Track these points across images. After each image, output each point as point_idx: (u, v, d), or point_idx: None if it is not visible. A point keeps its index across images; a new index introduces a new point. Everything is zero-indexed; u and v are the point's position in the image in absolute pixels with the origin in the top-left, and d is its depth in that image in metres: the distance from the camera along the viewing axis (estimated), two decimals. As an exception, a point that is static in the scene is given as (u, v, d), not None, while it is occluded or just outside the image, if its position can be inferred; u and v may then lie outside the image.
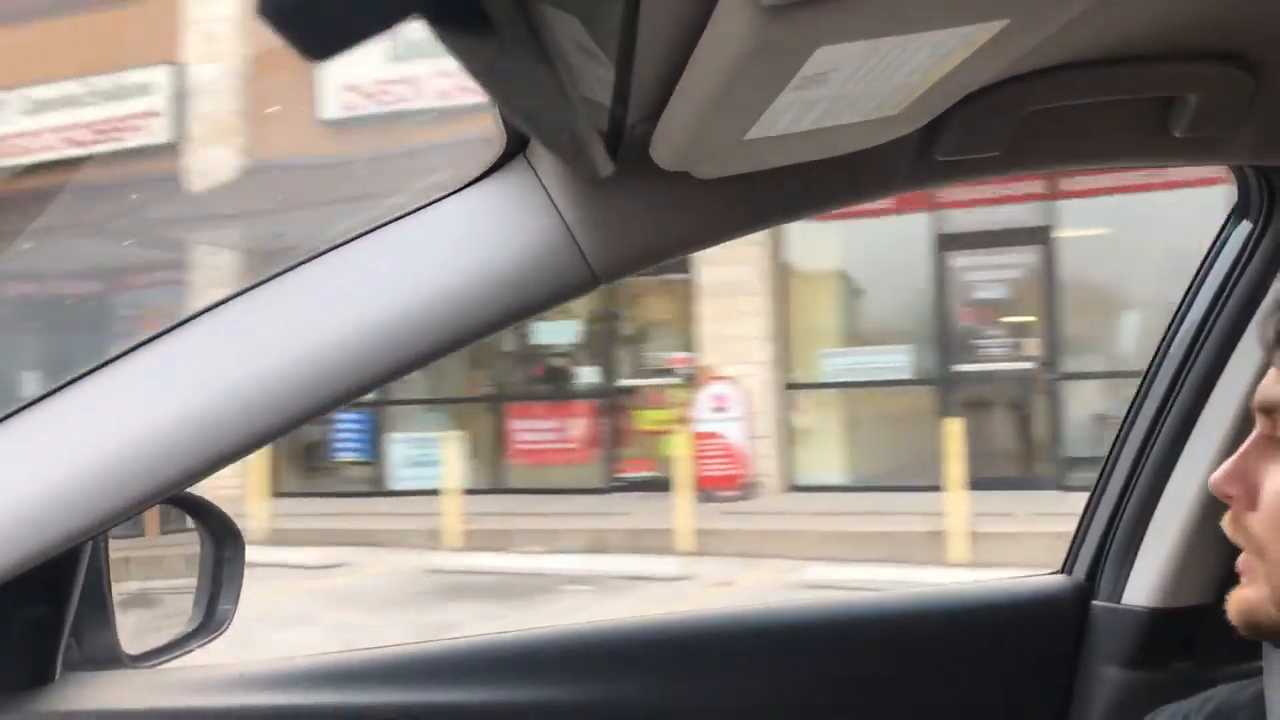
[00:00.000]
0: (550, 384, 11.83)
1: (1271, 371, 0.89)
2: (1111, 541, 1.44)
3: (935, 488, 8.33)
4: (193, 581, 1.23)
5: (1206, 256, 1.40)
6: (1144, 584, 1.38)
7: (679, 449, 9.25)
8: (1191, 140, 1.01)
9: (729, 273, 10.22)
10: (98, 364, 0.89)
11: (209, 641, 1.20)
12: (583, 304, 10.38)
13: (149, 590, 1.30)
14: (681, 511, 8.73)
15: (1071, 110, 0.98)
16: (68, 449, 0.87)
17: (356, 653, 1.19)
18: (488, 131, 0.93)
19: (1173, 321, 1.43)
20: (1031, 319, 10.22)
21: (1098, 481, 1.49)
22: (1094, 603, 1.43)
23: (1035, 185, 9.51)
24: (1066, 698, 1.41)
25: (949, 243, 10.27)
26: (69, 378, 0.89)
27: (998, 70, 0.82)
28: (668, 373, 11.15)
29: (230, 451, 0.87)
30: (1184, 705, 1.04)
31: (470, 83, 0.56)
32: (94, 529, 0.88)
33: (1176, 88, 0.98)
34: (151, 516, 1.21)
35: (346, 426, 11.90)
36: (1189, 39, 0.94)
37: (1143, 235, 9.54)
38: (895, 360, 10.40)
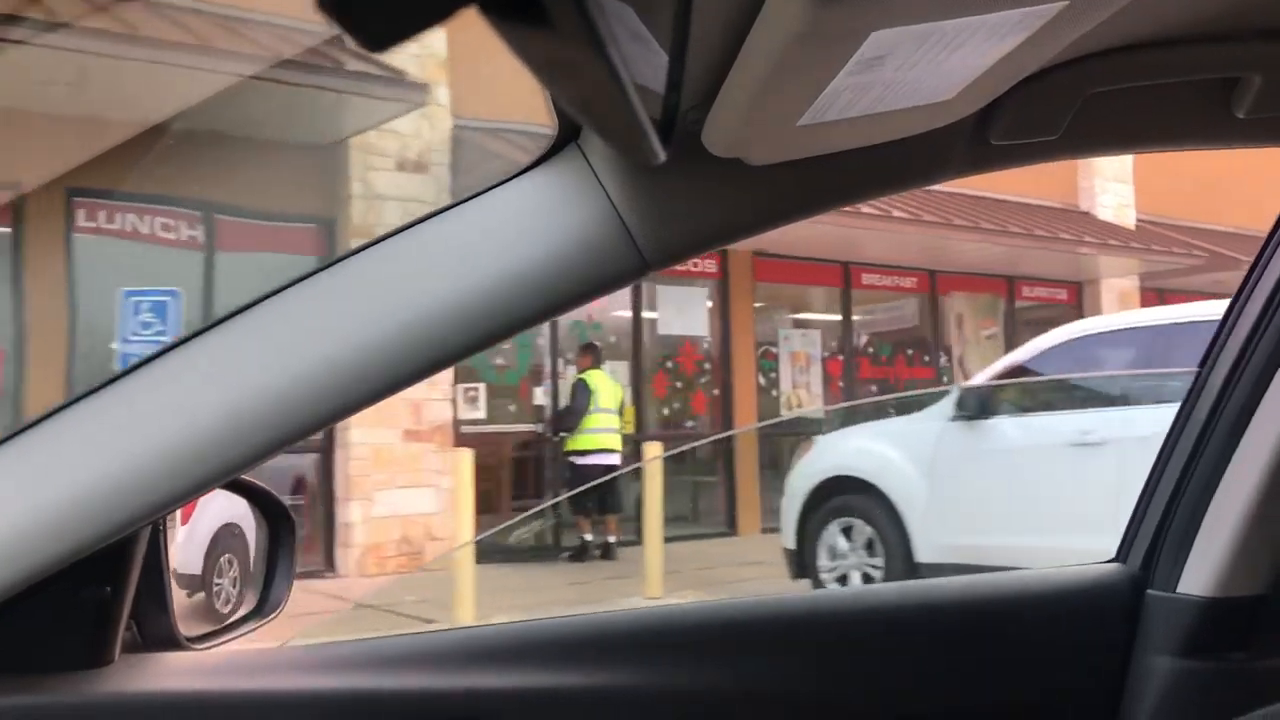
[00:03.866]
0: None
1: None
2: (1168, 530, 1.42)
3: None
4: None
5: (1267, 244, 1.38)
6: (1200, 573, 1.37)
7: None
8: (1255, 122, 0.99)
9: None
10: (157, 351, 0.90)
11: (265, 623, 1.21)
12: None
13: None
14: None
15: (1131, 92, 0.96)
16: (128, 435, 0.88)
17: (415, 635, 1.20)
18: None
19: (1233, 306, 1.42)
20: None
21: (1154, 468, 1.48)
22: (1149, 591, 1.41)
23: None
24: (1120, 686, 1.40)
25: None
26: (129, 366, 0.90)
27: (1056, 52, 0.81)
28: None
29: (288, 435, 0.88)
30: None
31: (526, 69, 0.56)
32: (153, 513, 0.90)
33: (1239, 68, 0.96)
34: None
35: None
36: (1251, 18, 0.92)
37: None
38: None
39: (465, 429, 10.48)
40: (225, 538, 1.29)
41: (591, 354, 10.88)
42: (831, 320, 13.56)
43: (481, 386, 10.77)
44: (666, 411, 12.39)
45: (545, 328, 10.97)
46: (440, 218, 0.91)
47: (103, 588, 0.99)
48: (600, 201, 0.89)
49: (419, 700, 1.12)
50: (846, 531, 7.45)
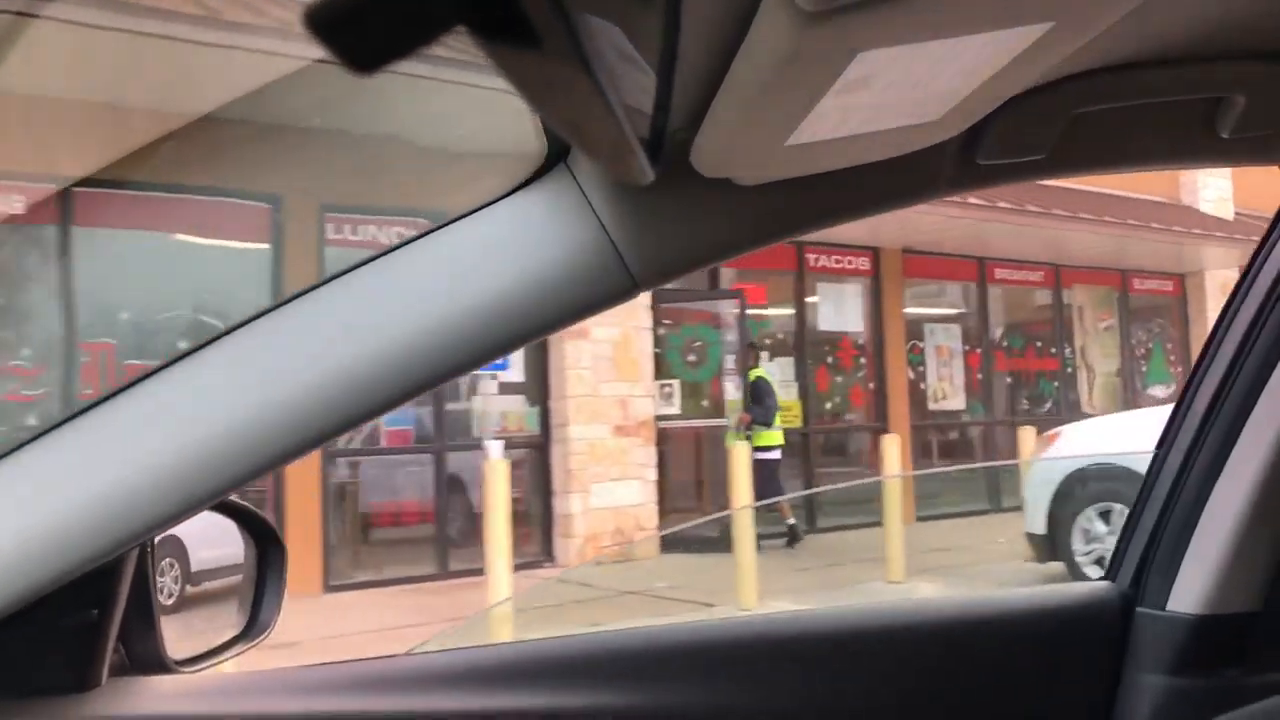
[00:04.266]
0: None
1: None
2: (1156, 548, 1.42)
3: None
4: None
5: (1257, 254, 1.38)
6: (1189, 591, 1.37)
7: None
8: (1239, 141, 0.99)
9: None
10: (145, 373, 0.90)
11: (254, 645, 1.20)
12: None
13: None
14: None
15: (1117, 112, 0.96)
16: (116, 457, 0.87)
17: (404, 658, 1.20)
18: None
19: (1222, 320, 1.41)
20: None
21: (1143, 487, 1.47)
22: (1138, 610, 1.41)
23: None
24: (1110, 705, 1.39)
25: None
26: (117, 387, 0.90)
27: (1042, 73, 0.81)
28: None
29: (276, 457, 0.87)
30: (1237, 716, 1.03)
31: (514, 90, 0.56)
32: (140, 536, 0.88)
33: (1223, 88, 0.96)
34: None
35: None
36: (1235, 39, 0.92)
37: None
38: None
39: (662, 423, 10.86)
40: (168, 544, 1.27)
41: (754, 353, 11.23)
42: (969, 314, 14.00)
43: (676, 383, 11.11)
44: (829, 405, 12.72)
45: (734, 325, 11.35)
46: (427, 239, 0.91)
47: (90, 611, 0.97)
48: (589, 221, 0.88)
49: None
50: (1104, 515, 7.88)
